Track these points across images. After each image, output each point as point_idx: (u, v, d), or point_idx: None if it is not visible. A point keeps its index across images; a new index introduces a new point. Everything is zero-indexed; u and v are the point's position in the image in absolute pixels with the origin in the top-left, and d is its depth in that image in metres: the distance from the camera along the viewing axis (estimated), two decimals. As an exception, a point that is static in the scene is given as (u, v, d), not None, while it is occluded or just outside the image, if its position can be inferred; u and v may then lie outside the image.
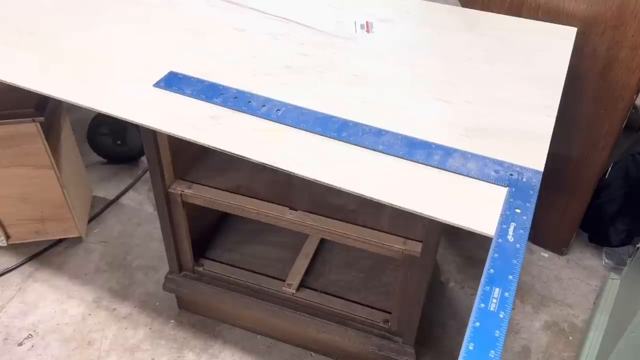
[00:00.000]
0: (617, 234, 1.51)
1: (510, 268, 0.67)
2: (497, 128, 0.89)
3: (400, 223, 1.11)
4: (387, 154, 0.83)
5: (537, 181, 0.78)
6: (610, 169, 1.48)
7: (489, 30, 1.14)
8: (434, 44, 1.11)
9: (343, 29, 1.13)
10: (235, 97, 0.92)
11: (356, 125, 0.88)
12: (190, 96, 0.92)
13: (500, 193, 0.77)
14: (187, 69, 1.01)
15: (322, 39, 1.11)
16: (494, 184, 0.78)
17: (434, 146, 0.84)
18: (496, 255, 0.68)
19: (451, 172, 0.79)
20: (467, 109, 0.93)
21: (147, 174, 1.72)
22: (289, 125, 0.87)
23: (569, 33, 1.14)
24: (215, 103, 0.91)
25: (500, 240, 0.70)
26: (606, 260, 1.61)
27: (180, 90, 0.93)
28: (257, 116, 0.89)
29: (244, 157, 0.84)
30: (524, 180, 0.78)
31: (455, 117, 0.91)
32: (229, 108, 0.90)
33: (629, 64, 1.24)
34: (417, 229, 1.09)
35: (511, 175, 0.79)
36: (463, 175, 0.79)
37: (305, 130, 0.87)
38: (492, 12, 1.21)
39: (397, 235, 1.10)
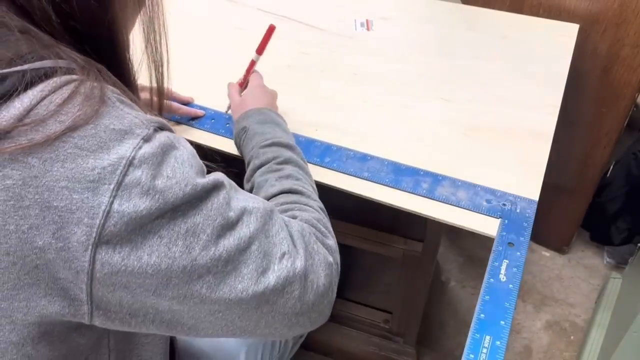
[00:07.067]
0: (618, 232, 1.50)
1: (502, 312, 0.63)
2: (499, 127, 0.89)
3: (400, 222, 1.10)
4: (373, 181, 0.78)
5: (531, 212, 0.74)
6: (611, 167, 1.47)
7: (490, 28, 1.13)
8: (435, 42, 1.10)
9: (343, 27, 1.13)
10: (213, 120, 0.88)
11: (340, 150, 0.83)
12: (169, 119, 0.88)
13: (492, 226, 0.73)
14: (187, 68, 1.00)
15: (322, 37, 1.10)
16: (486, 215, 0.74)
17: (422, 172, 0.79)
18: (487, 297, 0.65)
19: (440, 202, 0.76)
20: (468, 108, 0.92)
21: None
22: None
23: (570, 30, 1.13)
24: (192, 125, 0.87)
25: (491, 280, 0.66)
26: (608, 259, 1.60)
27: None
28: None
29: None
30: (518, 210, 0.74)
31: (456, 115, 0.91)
32: (206, 131, 0.87)
33: (630, 62, 1.23)
34: (417, 228, 1.08)
35: (504, 205, 0.75)
36: (453, 205, 0.75)
37: None
38: (493, 9, 1.20)
39: (398, 235, 1.09)
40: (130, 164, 0.40)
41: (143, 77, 0.55)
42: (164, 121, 0.46)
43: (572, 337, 1.42)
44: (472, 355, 0.60)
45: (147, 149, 0.41)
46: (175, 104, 0.86)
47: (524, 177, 0.80)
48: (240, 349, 0.79)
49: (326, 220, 0.62)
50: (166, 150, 0.43)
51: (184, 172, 0.43)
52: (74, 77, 0.42)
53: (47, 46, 0.42)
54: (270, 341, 0.84)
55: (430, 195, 0.76)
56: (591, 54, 1.26)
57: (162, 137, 0.44)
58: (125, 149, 0.40)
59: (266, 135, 0.72)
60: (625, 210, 1.48)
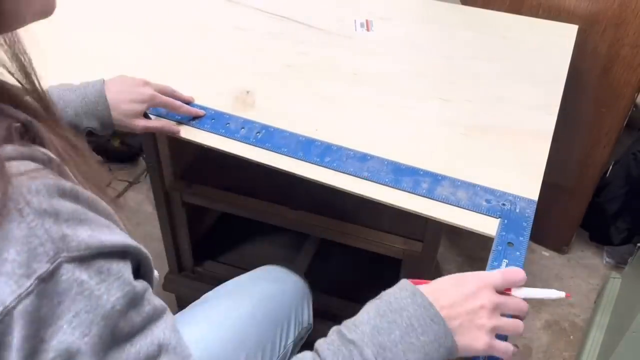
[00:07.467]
0: (618, 232, 1.50)
1: None
2: (498, 127, 0.89)
3: (400, 222, 1.11)
4: (372, 181, 0.78)
5: (531, 212, 0.74)
6: (611, 167, 1.48)
7: (489, 28, 1.13)
8: (434, 42, 1.10)
9: (343, 27, 1.13)
10: (213, 120, 0.88)
11: (340, 149, 0.83)
12: (170, 118, 0.89)
13: (492, 226, 0.73)
14: (187, 68, 1.00)
15: (322, 37, 1.10)
16: (485, 215, 0.74)
17: (421, 172, 0.79)
18: None
19: (440, 201, 0.76)
20: (467, 108, 0.93)
21: (147, 174, 1.71)
22: (269, 150, 0.83)
23: (569, 31, 1.13)
24: (192, 125, 0.87)
25: None
26: (607, 259, 1.61)
27: (159, 112, 0.89)
28: (235, 139, 0.85)
29: (243, 157, 0.83)
30: (517, 210, 0.74)
31: (456, 115, 0.91)
32: (206, 131, 0.87)
33: (630, 62, 1.23)
34: (417, 228, 1.08)
35: (503, 205, 0.75)
36: (453, 205, 0.75)
37: (287, 156, 0.82)
38: (492, 9, 1.20)
39: (398, 235, 1.09)
40: (7, 313, 0.33)
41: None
42: (99, 243, 0.37)
43: (571, 337, 1.42)
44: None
45: (35, 297, 0.33)
46: (177, 102, 0.87)
47: (523, 177, 0.80)
48: (239, 355, 0.79)
49: None
50: (61, 301, 0.34)
51: (67, 347, 0.34)
52: None
53: None
54: (270, 346, 0.83)
55: (430, 195, 0.76)
56: (591, 54, 1.27)
57: (68, 277, 0.35)
58: (8, 292, 0.33)
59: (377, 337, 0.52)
60: (624, 210, 1.48)
